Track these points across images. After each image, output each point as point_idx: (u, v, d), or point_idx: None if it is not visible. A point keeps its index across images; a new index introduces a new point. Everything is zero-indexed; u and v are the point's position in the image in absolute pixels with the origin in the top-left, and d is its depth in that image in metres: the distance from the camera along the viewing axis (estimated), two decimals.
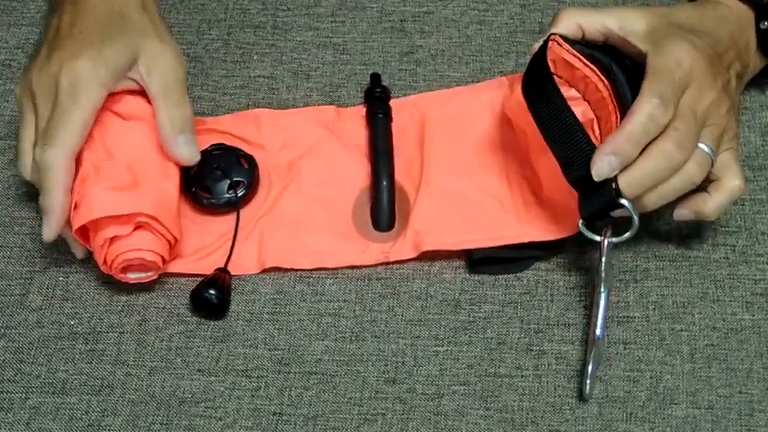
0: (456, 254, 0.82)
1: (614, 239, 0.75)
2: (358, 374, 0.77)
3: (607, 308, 0.75)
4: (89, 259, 0.83)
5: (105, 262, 0.78)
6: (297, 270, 0.82)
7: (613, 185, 0.73)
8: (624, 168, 0.73)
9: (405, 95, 0.89)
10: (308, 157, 0.86)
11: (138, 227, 0.77)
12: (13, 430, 0.76)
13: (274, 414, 0.76)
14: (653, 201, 0.75)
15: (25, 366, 0.78)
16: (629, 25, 0.78)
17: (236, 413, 0.76)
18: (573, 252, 0.82)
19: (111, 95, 0.79)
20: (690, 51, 0.75)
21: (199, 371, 0.78)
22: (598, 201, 0.74)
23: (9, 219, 0.85)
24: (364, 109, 0.88)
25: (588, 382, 0.75)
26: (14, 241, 0.84)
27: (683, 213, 0.78)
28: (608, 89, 0.78)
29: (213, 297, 0.79)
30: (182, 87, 0.80)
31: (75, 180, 0.77)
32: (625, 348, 0.78)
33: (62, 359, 0.79)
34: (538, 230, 0.80)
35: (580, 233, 0.77)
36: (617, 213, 0.75)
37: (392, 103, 0.88)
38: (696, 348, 0.78)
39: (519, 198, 0.82)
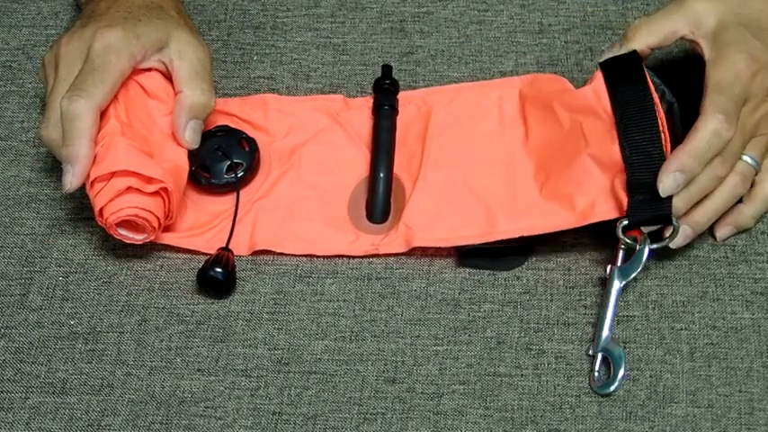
0: (454, 252, 0.82)
1: (654, 246, 0.77)
2: (357, 374, 0.77)
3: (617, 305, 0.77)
4: (89, 259, 0.83)
5: (102, 213, 0.78)
6: (296, 268, 0.82)
7: (671, 202, 0.75)
8: None
9: None
10: (310, 145, 0.87)
11: (152, 193, 0.78)
12: (13, 430, 0.76)
13: (274, 413, 0.76)
14: (707, 216, 0.78)
15: (25, 366, 0.78)
16: (700, 27, 0.79)
17: (236, 413, 0.76)
18: (573, 252, 0.82)
19: (143, 71, 0.82)
20: (749, 65, 0.76)
21: (198, 371, 0.78)
22: (651, 212, 0.75)
23: (9, 219, 0.85)
24: (372, 100, 0.88)
25: (616, 384, 0.75)
26: (14, 242, 0.84)
27: (725, 232, 0.81)
28: (660, 117, 0.78)
29: (219, 275, 0.79)
30: (209, 78, 0.83)
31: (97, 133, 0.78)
32: (625, 347, 0.77)
33: (62, 359, 0.79)
34: (531, 225, 0.80)
35: (573, 231, 0.78)
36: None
37: (401, 95, 0.88)
38: (696, 347, 0.78)
39: (515, 194, 0.82)
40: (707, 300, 0.80)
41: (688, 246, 0.81)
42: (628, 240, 0.77)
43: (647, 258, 0.77)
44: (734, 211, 0.80)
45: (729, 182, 0.77)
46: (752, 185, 0.80)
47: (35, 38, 0.95)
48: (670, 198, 0.75)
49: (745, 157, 0.78)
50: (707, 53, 0.78)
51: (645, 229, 0.77)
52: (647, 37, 0.80)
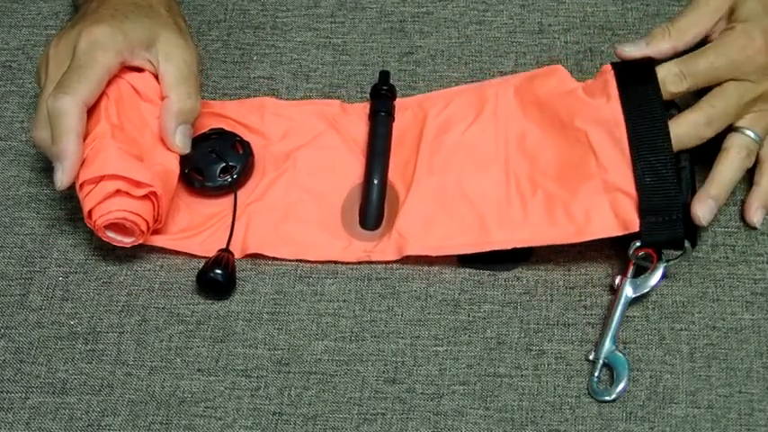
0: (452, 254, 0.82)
1: (669, 263, 0.78)
2: (357, 374, 0.77)
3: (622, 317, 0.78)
4: (89, 259, 0.83)
5: (91, 215, 0.78)
6: (296, 269, 0.82)
7: (681, 225, 0.76)
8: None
9: (405, 96, 0.89)
10: (306, 149, 0.87)
11: (141, 197, 0.78)
12: (13, 430, 0.76)
13: (274, 414, 0.76)
14: (724, 188, 0.79)
15: (25, 366, 0.78)
16: (721, 16, 0.80)
17: (236, 413, 0.76)
18: (573, 252, 0.82)
19: (135, 72, 0.81)
20: (750, 44, 0.78)
21: (199, 371, 0.78)
22: (664, 234, 0.76)
23: (9, 219, 0.85)
24: (369, 106, 0.88)
25: (615, 395, 0.76)
26: (14, 242, 0.84)
27: (759, 215, 0.82)
28: None
29: (219, 276, 0.79)
30: (196, 81, 0.82)
31: (87, 135, 0.78)
32: (625, 348, 0.78)
33: (62, 359, 0.79)
34: (524, 237, 0.79)
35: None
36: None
37: (398, 102, 0.88)
38: (696, 348, 0.78)
39: (510, 200, 0.81)
40: (707, 300, 0.80)
41: None
42: (640, 260, 0.78)
43: (662, 278, 0.77)
44: (754, 193, 0.82)
45: (735, 155, 0.79)
46: (759, 163, 0.82)
47: (35, 38, 0.95)
48: (681, 221, 0.76)
49: (749, 132, 0.79)
50: (718, 31, 0.80)
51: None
52: (675, 41, 0.80)
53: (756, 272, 0.81)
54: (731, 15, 0.80)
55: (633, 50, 0.80)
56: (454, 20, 0.95)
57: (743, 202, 0.83)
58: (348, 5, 0.96)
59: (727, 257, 0.81)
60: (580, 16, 0.94)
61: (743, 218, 0.82)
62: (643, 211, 0.76)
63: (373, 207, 0.83)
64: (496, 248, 0.80)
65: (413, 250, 0.81)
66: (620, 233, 0.77)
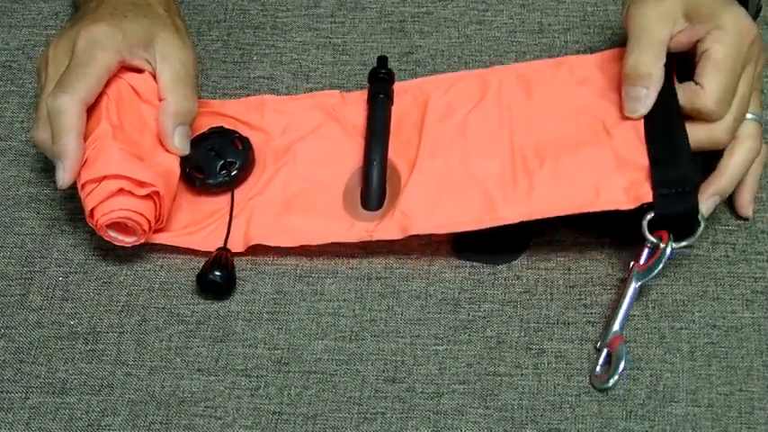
0: (453, 251, 0.82)
1: (679, 246, 0.77)
2: (357, 373, 0.77)
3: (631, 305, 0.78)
4: (89, 259, 0.83)
5: (93, 215, 0.78)
6: (296, 268, 0.82)
7: (696, 198, 0.76)
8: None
9: None
10: (306, 141, 0.87)
11: (143, 196, 0.78)
12: (13, 430, 0.76)
13: (274, 413, 0.76)
14: (731, 182, 0.78)
15: (25, 366, 0.78)
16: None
17: (236, 412, 0.76)
18: (573, 251, 0.82)
19: (135, 73, 0.82)
20: (748, 26, 0.76)
21: (198, 370, 0.78)
22: (677, 207, 0.76)
23: (9, 219, 0.85)
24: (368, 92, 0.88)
25: (616, 377, 0.75)
26: (14, 242, 0.84)
27: (751, 207, 0.82)
28: None
29: (218, 278, 0.79)
30: (192, 82, 0.83)
31: (89, 135, 0.78)
32: (625, 346, 0.78)
33: (62, 359, 0.79)
34: (531, 210, 0.78)
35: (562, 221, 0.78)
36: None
37: (397, 85, 0.87)
38: (696, 346, 0.78)
39: (516, 177, 0.80)
40: (707, 299, 0.80)
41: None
42: (653, 239, 0.77)
43: (669, 258, 0.76)
44: (747, 184, 0.81)
45: (744, 145, 0.78)
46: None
47: (35, 38, 0.95)
48: (693, 194, 0.75)
49: (748, 115, 0.79)
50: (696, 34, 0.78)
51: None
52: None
53: (757, 270, 0.81)
54: (693, 14, 0.77)
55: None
56: (454, 20, 0.95)
57: (730, 198, 0.82)
58: (348, 5, 0.96)
59: (728, 256, 0.81)
60: (580, 16, 0.95)
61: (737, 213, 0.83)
62: (656, 182, 0.76)
63: (374, 187, 0.83)
64: (503, 223, 0.78)
65: (417, 229, 0.80)
66: (630, 206, 0.76)
